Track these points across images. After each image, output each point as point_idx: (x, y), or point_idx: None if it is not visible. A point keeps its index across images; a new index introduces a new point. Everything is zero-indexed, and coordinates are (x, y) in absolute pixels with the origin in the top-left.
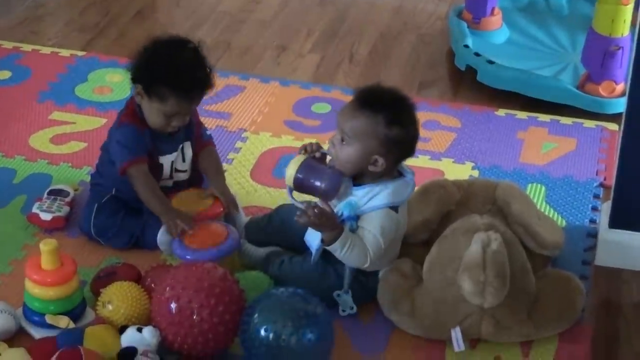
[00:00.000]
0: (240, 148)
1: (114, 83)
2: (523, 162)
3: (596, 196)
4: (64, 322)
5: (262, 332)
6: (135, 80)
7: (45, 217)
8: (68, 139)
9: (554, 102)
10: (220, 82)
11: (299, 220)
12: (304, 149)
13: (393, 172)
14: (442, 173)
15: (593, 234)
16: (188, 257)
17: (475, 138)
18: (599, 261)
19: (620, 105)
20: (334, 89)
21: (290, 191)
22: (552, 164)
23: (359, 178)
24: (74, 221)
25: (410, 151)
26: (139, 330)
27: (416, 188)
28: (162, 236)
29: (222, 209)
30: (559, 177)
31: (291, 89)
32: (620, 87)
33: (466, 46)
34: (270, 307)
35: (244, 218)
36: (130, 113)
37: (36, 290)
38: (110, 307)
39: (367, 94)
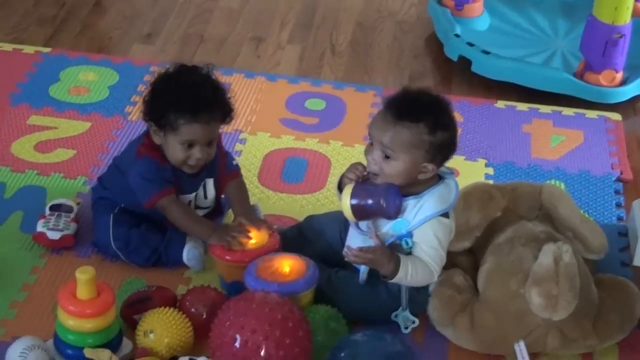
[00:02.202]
0: (241, 151)
1: (89, 82)
2: (536, 158)
3: (617, 192)
4: (105, 355)
5: None
6: (147, 119)
7: (54, 236)
8: (54, 146)
9: (552, 92)
10: None
11: (354, 262)
12: (350, 176)
13: (435, 177)
14: (457, 172)
15: (624, 233)
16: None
17: (481, 133)
18: (638, 261)
19: (621, 95)
20: (324, 83)
21: (356, 224)
22: (565, 159)
23: (403, 188)
24: (81, 239)
25: (454, 150)
26: None
27: None
28: (189, 252)
29: (279, 241)
30: (575, 172)
31: (279, 84)
32: (619, 76)
33: (457, 35)
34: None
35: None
36: (150, 145)
37: (71, 322)
38: (152, 336)
39: (402, 102)
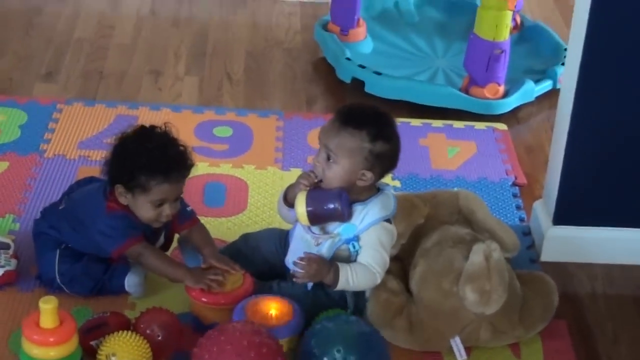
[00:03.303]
0: None
1: None
2: (436, 169)
3: (515, 195)
4: None
5: None
6: (112, 182)
7: None
8: None
9: (440, 107)
10: (109, 112)
11: (298, 282)
12: (302, 184)
13: (374, 188)
14: None
15: (527, 232)
16: None
17: None
18: (544, 257)
19: (505, 106)
20: (227, 111)
21: (309, 228)
22: (463, 168)
23: (350, 196)
24: (22, 273)
25: (394, 164)
26: None
27: None
28: (130, 279)
29: (253, 282)
30: (475, 180)
31: (185, 115)
32: (502, 89)
33: (348, 59)
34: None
35: None
36: (115, 202)
37: (36, 351)
38: (114, 359)
39: (349, 111)
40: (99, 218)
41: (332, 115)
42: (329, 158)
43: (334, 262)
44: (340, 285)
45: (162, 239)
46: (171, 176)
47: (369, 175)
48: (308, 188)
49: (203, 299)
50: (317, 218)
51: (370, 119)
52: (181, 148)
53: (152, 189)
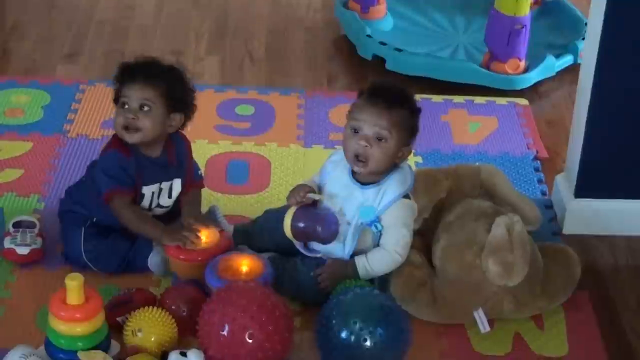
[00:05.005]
0: None
1: (22, 104)
2: (458, 144)
3: (536, 169)
4: (99, 357)
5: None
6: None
7: (23, 251)
8: (1, 167)
9: (461, 82)
10: None
11: (326, 289)
12: (291, 200)
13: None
14: None
15: (549, 206)
16: None
17: None
18: (566, 230)
19: (526, 81)
20: (249, 89)
21: (302, 244)
22: (484, 143)
23: (366, 177)
24: (48, 252)
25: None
26: (183, 354)
27: None
28: (152, 259)
29: (230, 239)
30: (497, 154)
31: (207, 94)
32: (523, 64)
33: (369, 36)
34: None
35: (227, 226)
36: (115, 140)
37: (62, 327)
38: (140, 334)
39: (388, 91)
40: (98, 160)
41: (367, 97)
42: (378, 137)
43: (349, 260)
44: (363, 276)
45: (177, 187)
46: (136, 78)
47: (406, 150)
48: (297, 204)
49: (181, 257)
50: (300, 235)
51: (406, 96)
52: (170, 69)
53: (121, 91)
